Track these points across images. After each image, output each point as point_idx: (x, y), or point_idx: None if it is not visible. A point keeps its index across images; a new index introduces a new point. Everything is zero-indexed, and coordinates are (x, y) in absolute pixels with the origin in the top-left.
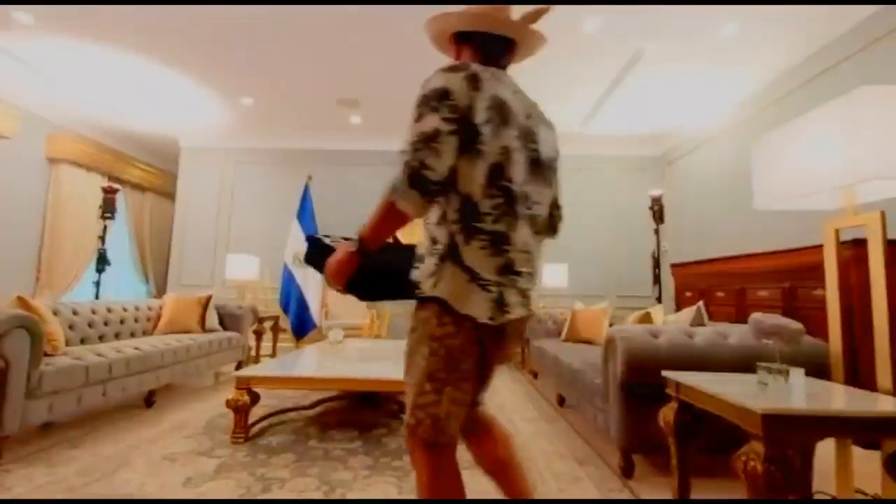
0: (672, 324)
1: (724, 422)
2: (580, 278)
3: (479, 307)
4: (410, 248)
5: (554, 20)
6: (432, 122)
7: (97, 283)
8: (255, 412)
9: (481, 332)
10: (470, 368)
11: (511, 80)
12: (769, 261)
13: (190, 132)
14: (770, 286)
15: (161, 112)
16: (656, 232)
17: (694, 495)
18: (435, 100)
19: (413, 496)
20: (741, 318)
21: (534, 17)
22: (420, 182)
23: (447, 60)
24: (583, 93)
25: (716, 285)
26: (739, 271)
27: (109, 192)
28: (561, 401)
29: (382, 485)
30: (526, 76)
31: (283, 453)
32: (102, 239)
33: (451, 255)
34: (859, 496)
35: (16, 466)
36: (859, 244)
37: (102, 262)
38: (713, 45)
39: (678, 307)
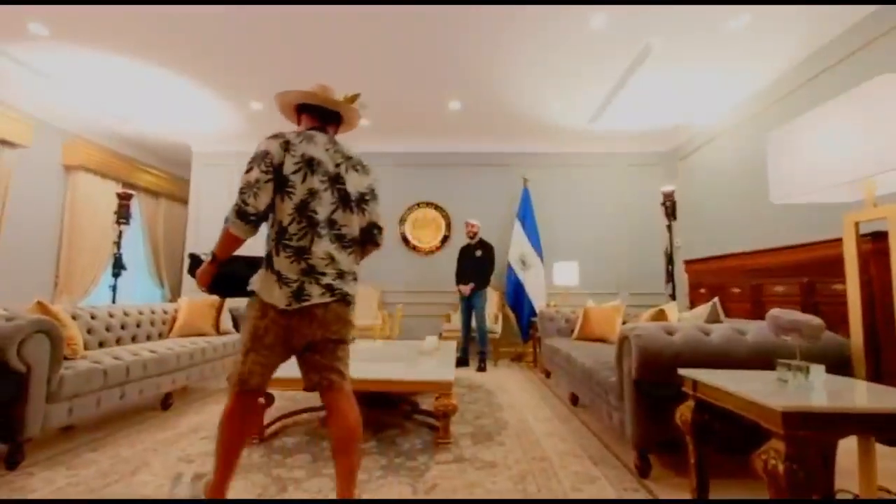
0: (687, 321)
1: (742, 420)
2: (592, 276)
3: (279, 298)
4: (258, 260)
5: (559, 17)
6: (255, 174)
7: (113, 288)
8: (270, 413)
9: (287, 316)
10: (272, 343)
11: (326, 139)
12: (786, 256)
13: (201, 138)
14: (787, 281)
15: (173, 118)
16: (669, 228)
17: (713, 495)
18: (259, 159)
19: (428, 496)
20: (757, 314)
21: (350, 99)
22: (242, 215)
23: (454, 61)
24: (590, 89)
25: (731, 281)
26: (755, 267)
27: (124, 198)
28: (574, 400)
29: (397, 485)
30: (534, 77)
31: (298, 454)
32: (118, 244)
33: (267, 262)
34: (883, 494)
35: (38, 469)
36: (879, 237)
37: (118, 266)
38: (724, 37)
39: (692, 304)
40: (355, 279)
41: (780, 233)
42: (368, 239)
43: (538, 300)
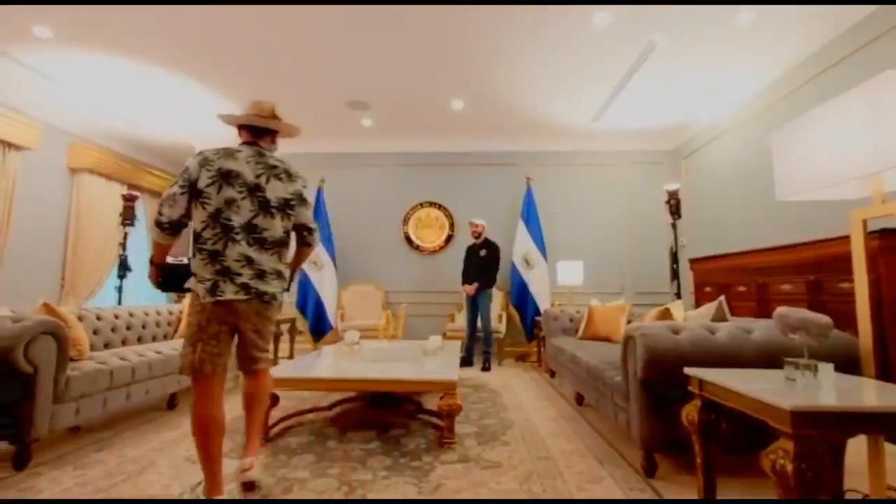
0: (693, 320)
1: (749, 419)
2: (596, 275)
3: (201, 293)
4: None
5: (562, 15)
6: (174, 188)
7: (119, 289)
8: (275, 414)
9: (216, 305)
10: (217, 331)
11: (251, 153)
12: (792, 253)
13: (204, 138)
14: (794, 279)
15: (175, 119)
16: (673, 227)
17: (720, 495)
18: (180, 175)
19: (433, 496)
20: (764, 312)
21: (271, 112)
22: (158, 224)
23: (456, 60)
24: (593, 88)
25: (736, 280)
26: (761, 265)
27: (129, 200)
28: (579, 399)
29: (402, 485)
30: (536, 75)
31: (302, 454)
32: (123, 245)
33: (191, 264)
34: (893, 494)
35: (45, 469)
36: (887, 234)
37: (124, 268)
38: (728, 33)
39: (697, 303)
40: (279, 277)
41: (786, 230)
42: (300, 241)
43: (542, 300)
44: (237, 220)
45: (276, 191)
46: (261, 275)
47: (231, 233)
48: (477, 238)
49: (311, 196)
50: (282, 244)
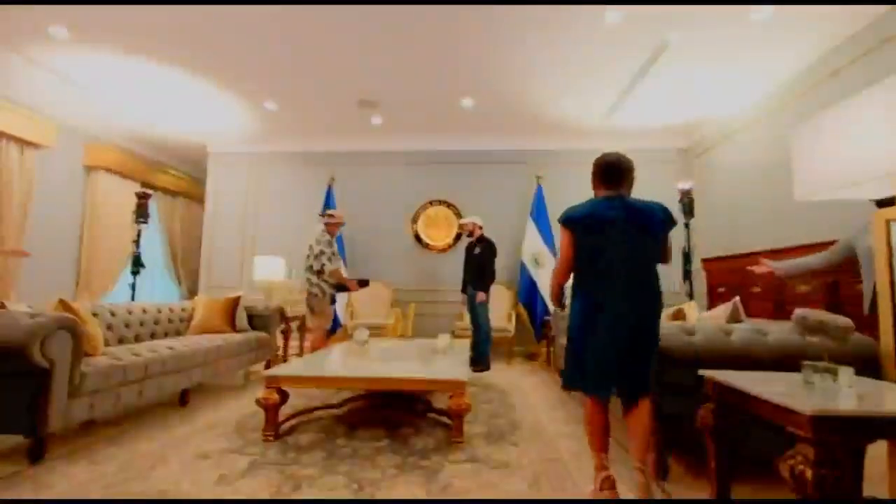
0: (707, 321)
1: (764, 423)
2: None
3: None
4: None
5: (574, 13)
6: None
7: (132, 286)
8: (284, 411)
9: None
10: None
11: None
12: (810, 254)
13: (217, 138)
14: (811, 281)
15: (189, 119)
16: (686, 226)
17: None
18: None
19: (439, 496)
20: (780, 314)
21: (327, 215)
22: None
23: (466, 58)
24: (605, 86)
25: (751, 281)
26: None
27: (142, 198)
28: None
29: (410, 484)
30: (547, 73)
31: (312, 451)
32: (137, 243)
33: None
34: None
35: (59, 463)
36: None
37: (137, 265)
38: (744, 30)
39: (711, 304)
40: (317, 284)
41: (803, 230)
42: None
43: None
44: (306, 264)
45: (313, 249)
46: (310, 284)
47: (305, 270)
48: (470, 236)
49: (327, 248)
50: (318, 272)
